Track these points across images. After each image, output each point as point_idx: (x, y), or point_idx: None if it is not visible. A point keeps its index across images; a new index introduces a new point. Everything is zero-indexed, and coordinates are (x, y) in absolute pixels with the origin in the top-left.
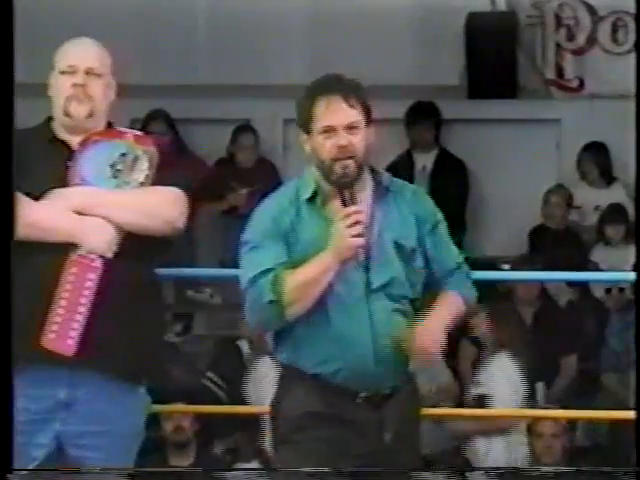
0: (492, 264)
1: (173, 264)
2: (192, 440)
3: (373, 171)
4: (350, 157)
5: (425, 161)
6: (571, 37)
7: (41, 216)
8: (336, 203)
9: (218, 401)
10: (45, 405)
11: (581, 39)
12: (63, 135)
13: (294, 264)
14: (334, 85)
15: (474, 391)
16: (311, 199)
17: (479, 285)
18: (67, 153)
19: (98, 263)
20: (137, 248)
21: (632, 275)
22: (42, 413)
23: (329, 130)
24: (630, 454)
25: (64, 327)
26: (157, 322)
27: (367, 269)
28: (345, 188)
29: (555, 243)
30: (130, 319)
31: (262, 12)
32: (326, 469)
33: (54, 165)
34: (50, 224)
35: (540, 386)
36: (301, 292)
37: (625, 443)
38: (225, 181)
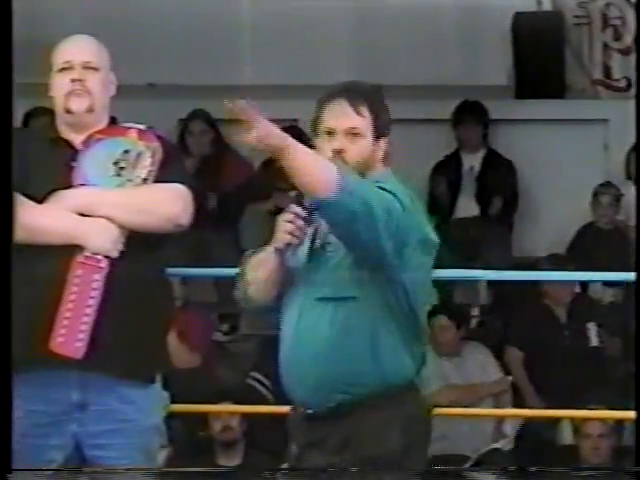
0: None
1: (217, 264)
2: (240, 440)
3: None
4: (345, 164)
5: (473, 161)
6: (618, 37)
7: (44, 219)
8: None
9: (264, 401)
10: (59, 407)
11: (628, 39)
12: (66, 134)
13: None
14: (344, 90)
15: None
16: None
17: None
18: (71, 153)
19: (104, 264)
20: (141, 246)
21: (632, 275)
22: (56, 415)
23: (329, 133)
24: None
25: (72, 330)
26: (163, 318)
27: (307, 281)
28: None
29: (605, 242)
30: (137, 318)
31: (308, 12)
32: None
33: (58, 165)
34: (54, 227)
35: (592, 326)
36: (251, 273)
37: None
38: (272, 181)
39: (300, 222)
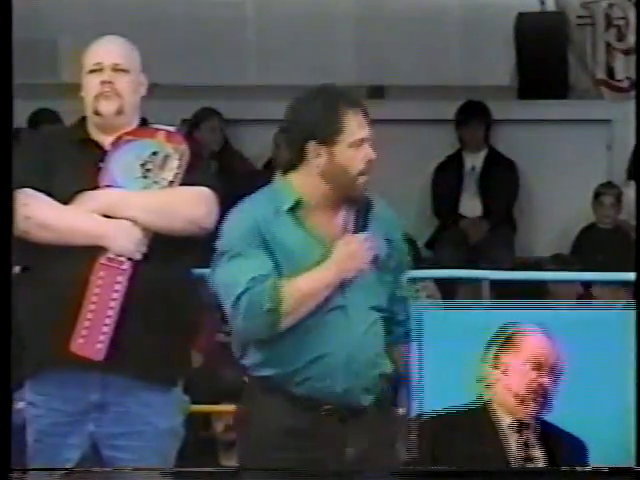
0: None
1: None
2: None
3: None
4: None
5: (475, 161)
6: (621, 37)
7: (68, 220)
8: (323, 218)
9: None
10: (77, 407)
11: (631, 39)
12: (96, 135)
13: (281, 274)
14: (357, 98)
15: None
16: (291, 209)
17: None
18: (99, 154)
19: (126, 266)
20: (165, 249)
21: (632, 275)
22: (74, 415)
23: (361, 144)
24: None
25: (93, 332)
26: (187, 322)
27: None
28: (358, 208)
29: (606, 243)
30: (159, 321)
31: (311, 13)
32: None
33: (86, 166)
34: (77, 227)
35: None
36: (299, 303)
37: None
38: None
39: (373, 245)
